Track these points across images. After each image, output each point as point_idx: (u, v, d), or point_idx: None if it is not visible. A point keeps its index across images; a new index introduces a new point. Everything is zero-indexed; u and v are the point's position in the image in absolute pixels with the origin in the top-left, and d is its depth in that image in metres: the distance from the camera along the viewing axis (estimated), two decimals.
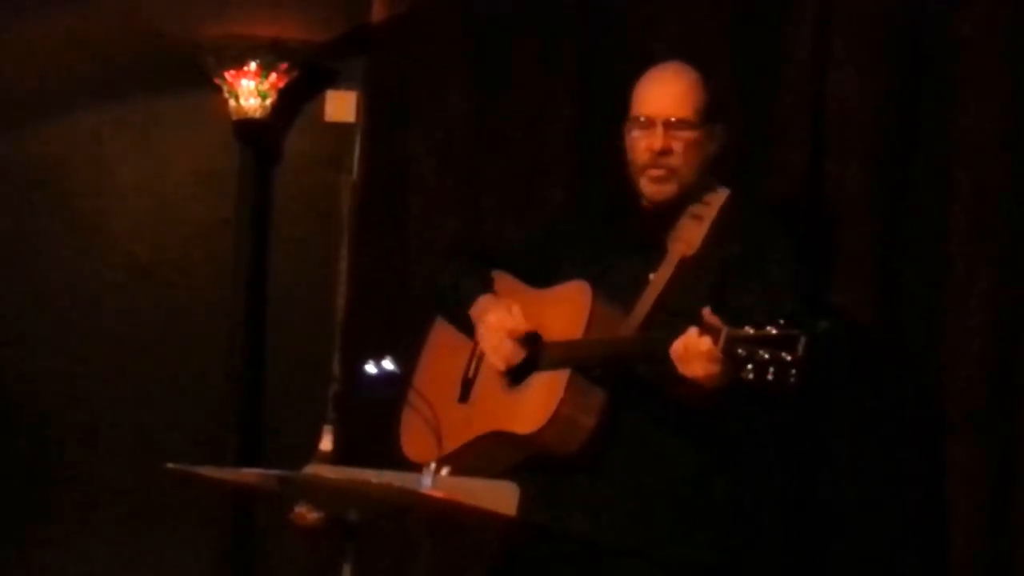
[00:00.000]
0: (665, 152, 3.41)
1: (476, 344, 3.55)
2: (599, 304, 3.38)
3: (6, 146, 5.26)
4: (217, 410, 5.09)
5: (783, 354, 2.97)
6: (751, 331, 3.02)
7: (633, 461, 3.39)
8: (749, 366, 3.00)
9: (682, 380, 3.19)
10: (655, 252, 3.43)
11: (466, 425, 3.47)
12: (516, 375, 3.47)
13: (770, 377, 2.98)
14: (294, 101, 5.11)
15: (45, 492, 5.15)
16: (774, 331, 2.99)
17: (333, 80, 5.09)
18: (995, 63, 3.77)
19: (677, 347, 3.15)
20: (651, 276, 3.41)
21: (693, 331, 3.13)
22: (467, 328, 3.58)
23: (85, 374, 5.20)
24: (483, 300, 3.55)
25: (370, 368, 3.59)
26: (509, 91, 4.53)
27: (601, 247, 3.54)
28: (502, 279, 3.62)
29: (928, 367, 3.82)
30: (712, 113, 3.45)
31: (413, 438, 3.59)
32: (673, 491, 3.40)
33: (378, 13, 4.81)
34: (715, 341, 3.07)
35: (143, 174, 5.25)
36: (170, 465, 3.21)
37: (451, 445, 3.43)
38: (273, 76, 5.04)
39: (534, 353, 3.45)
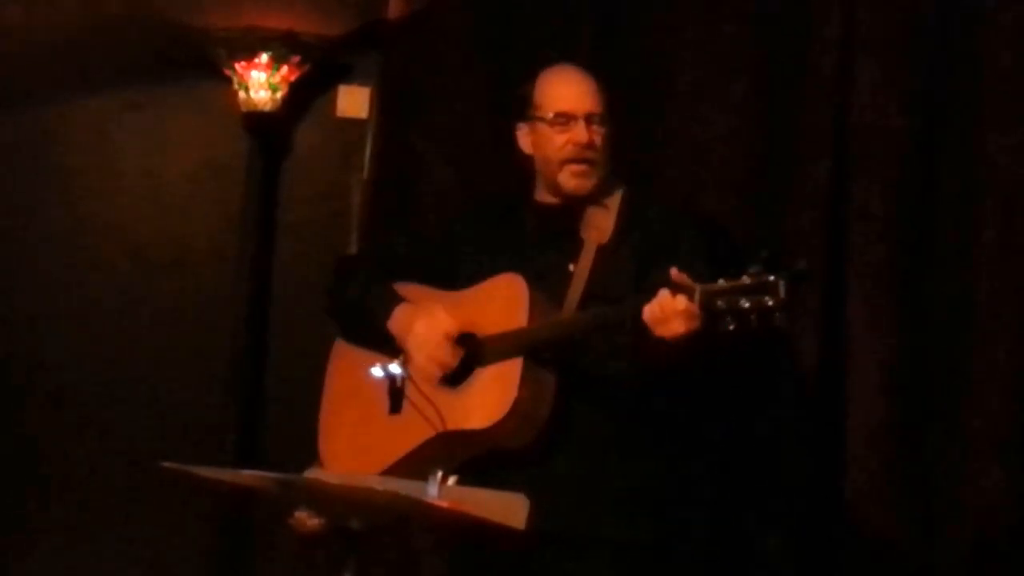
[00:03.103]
0: (590, 145, 3.53)
1: (399, 356, 3.54)
2: (534, 293, 3.45)
3: (13, 131, 5.24)
4: (217, 408, 5.06)
5: (765, 299, 3.06)
6: (725, 284, 3.12)
7: (582, 448, 3.44)
8: (729, 317, 3.10)
9: (656, 344, 3.23)
10: (568, 243, 3.54)
11: (404, 434, 3.48)
12: (453, 378, 3.49)
13: (754, 324, 3.08)
14: (305, 95, 5.12)
15: (38, 490, 5.14)
16: (748, 280, 3.09)
17: (346, 75, 5.07)
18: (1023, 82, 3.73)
19: (652, 309, 3.21)
20: (571, 267, 3.51)
21: (665, 292, 3.19)
22: (382, 344, 3.58)
23: (82, 367, 5.19)
24: (401, 311, 3.57)
25: (376, 371, 3.55)
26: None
27: (501, 244, 3.62)
28: (407, 289, 3.64)
29: (953, 392, 3.77)
30: (613, 110, 3.60)
31: (339, 453, 3.61)
32: (623, 476, 3.45)
33: (394, 9, 4.78)
34: (690, 298, 3.16)
35: (150, 163, 5.26)
36: (166, 464, 3.15)
37: (389, 458, 3.47)
38: (284, 69, 5.04)
39: (475, 352, 3.47)
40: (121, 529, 5.05)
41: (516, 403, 3.36)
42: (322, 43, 5.02)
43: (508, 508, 2.95)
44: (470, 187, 4.51)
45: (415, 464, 3.34)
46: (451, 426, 3.42)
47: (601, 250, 3.50)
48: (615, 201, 3.57)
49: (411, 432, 3.47)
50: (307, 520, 4.27)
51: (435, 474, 3.00)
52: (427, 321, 3.50)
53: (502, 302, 3.47)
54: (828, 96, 3.94)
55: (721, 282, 3.12)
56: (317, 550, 4.21)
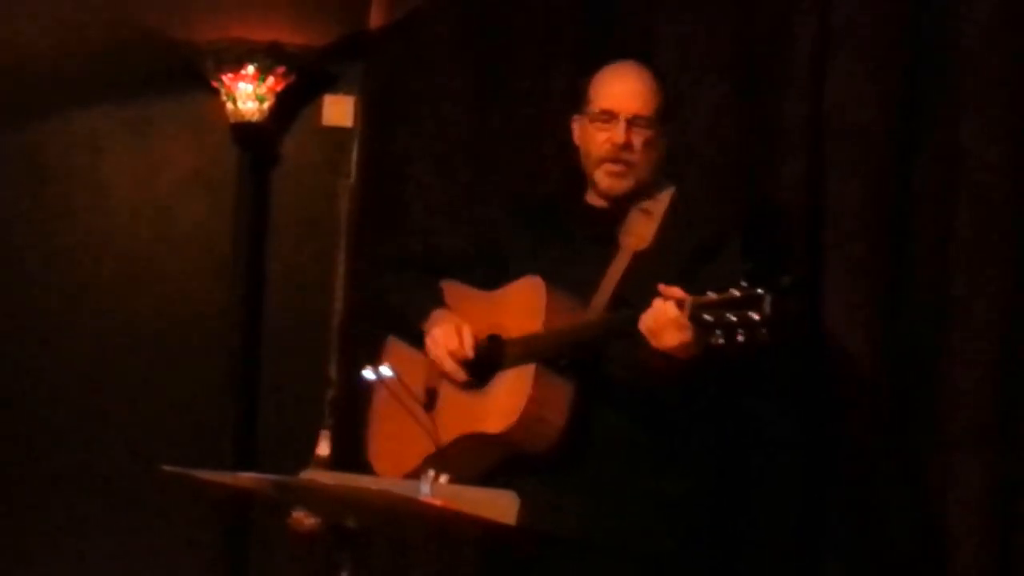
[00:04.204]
0: (627, 146, 3.48)
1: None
2: (554, 296, 3.41)
3: (3, 145, 5.26)
4: (213, 413, 5.09)
5: (751, 314, 3.01)
6: (714, 296, 3.07)
7: (604, 455, 3.41)
8: (718, 331, 3.04)
9: (656, 356, 3.21)
10: (606, 247, 3.49)
11: (435, 432, 3.49)
12: (480, 378, 3.48)
13: (740, 339, 3.02)
14: (292, 105, 5.13)
15: (39, 494, 5.15)
16: (737, 293, 3.04)
17: (331, 84, 5.10)
18: (997, 78, 3.74)
19: (647, 320, 3.19)
20: (606, 271, 3.46)
21: (659, 302, 3.17)
22: (421, 343, 3.58)
23: (80, 376, 5.20)
24: (435, 315, 3.56)
25: (368, 374, 3.60)
26: (507, 96, 4.51)
27: (548, 244, 3.58)
28: (452, 288, 3.63)
29: (931, 383, 3.79)
30: (666, 114, 3.54)
31: (381, 453, 3.63)
32: (644, 483, 3.42)
33: (376, 18, 4.81)
34: (681, 310, 3.13)
35: (139, 176, 5.25)
36: (165, 467, 3.19)
37: (419, 457, 3.46)
38: (271, 80, 5.04)
39: (496, 354, 3.46)
40: (119, 531, 5.07)
41: (527, 409, 3.32)
42: (307, 53, 5.03)
43: (498, 505, 2.95)
44: (456, 192, 4.56)
45: (442, 465, 3.23)
46: (471, 428, 3.41)
47: (638, 256, 3.45)
48: (660, 205, 3.52)
49: (437, 432, 3.47)
50: (304, 520, 4.33)
51: (427, 473, 3.02)
52: (444, 329, 3.49)
53: (522, 305, 3.44)
54: (804, 93, 3.94)
55: (710, 294, 3.08)
56: (314, 549, 4.27)
